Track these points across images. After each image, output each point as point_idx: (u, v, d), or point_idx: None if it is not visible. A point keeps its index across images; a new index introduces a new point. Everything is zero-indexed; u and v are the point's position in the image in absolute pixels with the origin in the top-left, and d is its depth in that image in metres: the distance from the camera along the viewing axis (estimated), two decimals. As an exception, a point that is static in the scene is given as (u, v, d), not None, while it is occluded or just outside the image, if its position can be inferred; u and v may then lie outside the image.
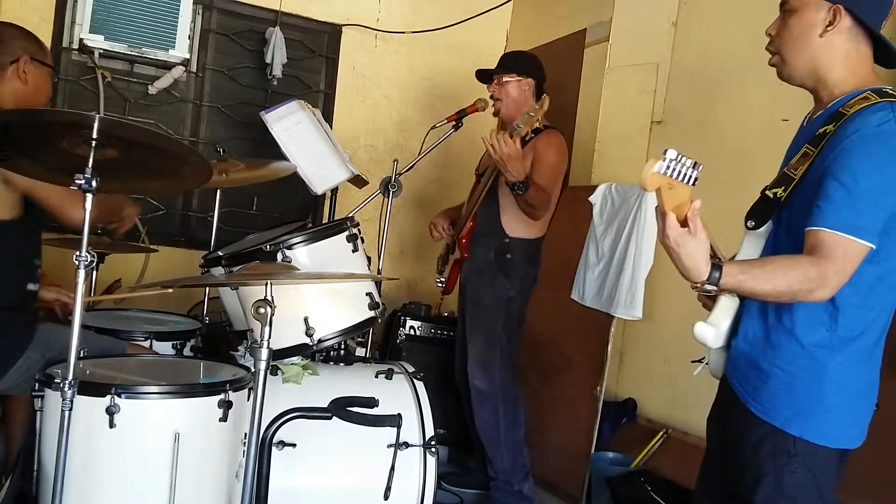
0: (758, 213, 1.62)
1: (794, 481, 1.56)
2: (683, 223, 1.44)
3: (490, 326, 3.11)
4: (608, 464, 3.19)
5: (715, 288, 1.49)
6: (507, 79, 3.16)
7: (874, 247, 1.47)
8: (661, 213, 1.44)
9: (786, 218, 1.61)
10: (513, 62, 3.22)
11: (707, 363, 1.76)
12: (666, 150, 1.37)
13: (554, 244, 3.24)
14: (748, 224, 1.63)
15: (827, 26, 1.58)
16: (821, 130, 1.56)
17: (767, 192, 1.62)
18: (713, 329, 1.64)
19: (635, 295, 3.07)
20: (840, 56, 1.60)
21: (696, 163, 1.40)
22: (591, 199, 3.37)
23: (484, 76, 3.28)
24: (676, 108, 3.51)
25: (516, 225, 3.11)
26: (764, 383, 1.60)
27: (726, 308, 1.64)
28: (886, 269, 1.54)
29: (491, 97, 3.23)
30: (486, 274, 3.13)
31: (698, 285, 1.49)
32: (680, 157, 1.38)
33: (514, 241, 3.12)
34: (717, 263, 1.48)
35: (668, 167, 1.37)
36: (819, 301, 1.50)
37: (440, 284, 3.36)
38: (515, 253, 3.11)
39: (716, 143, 3.20)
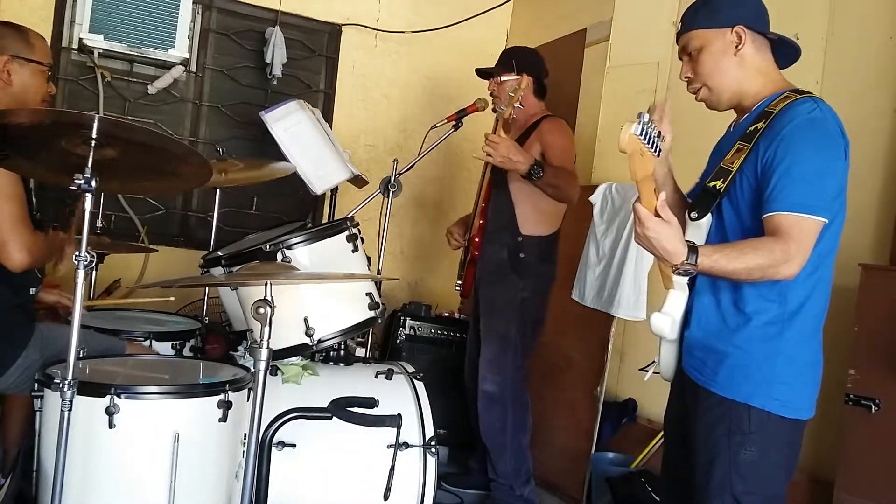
0: (700, 205, 1.74)
1: (747, 459, 1.65)
2: (655, 215, 1.53)
3: (504, 328, 3.06)
4: (608, 464, 3.19)
5: (694, 267, 1.56)
6: (505, 78, 3.14)
7: (827, 221, 1.59)
8: (634, 210, 1.53)
9: (726, 207, 1.72)
10: (509, 60, 3.20)
11: (657, 368, 1.87)
12: (640, 113, 1.42)
13: (554, 244, 3.24)
14: (691, 215, 1.74)
15: (737, 47, 1.74)
16: (751, 128, 1.70)
17: (706, 185, 1.74)
18: (669, 318, 1.74)
19: (639, 296, 3.07)
20: (754, 68, 1.76)
21: (661, 132, 1.48)
22: (592, 198, 3.37)
23: (484, 74, 3.28)
24: (676, 108, 3.47)
25: (531, 221, 3.06)
26: (722, 363, 1.69)
27: (677, 299, 1.74)
28: (826, 245, 1.65)
29: (491, 95, 3.22)
30: (499, 274, 3.08)
31: (678, 266, 1.56)
32: (651, 122, 1.43)
33: (528, 240, 3.06)
34: (692, 246, 1.56)
35: (642, 129, 1.42)
36: (787, 278, 1.59)
37: (458, 289, 3.34)
38: (529, 252, 3.06)
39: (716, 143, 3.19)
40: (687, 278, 1.71)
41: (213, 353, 2.70)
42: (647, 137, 1.42)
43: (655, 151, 1.45)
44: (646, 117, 1.41)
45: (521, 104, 2.89)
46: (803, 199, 1.57)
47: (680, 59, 1.85)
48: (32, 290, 2.28)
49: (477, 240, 3.14)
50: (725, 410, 1.67)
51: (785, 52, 1.79)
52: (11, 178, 2.03)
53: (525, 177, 2.87)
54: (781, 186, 1.58)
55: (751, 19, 1.74)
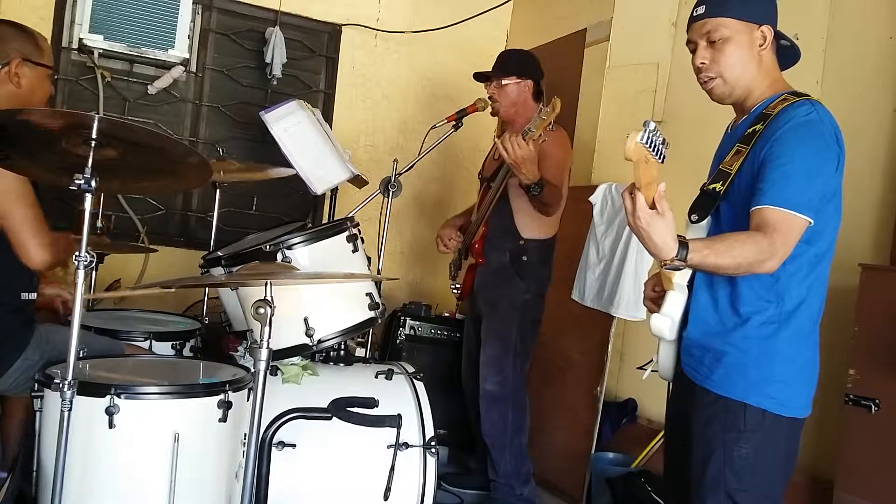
0: (700, 208, 1.74)
1: (741, 457, 1.66)
2: (651, 206, 1.52)
3: (505, 329, 3.09)
4: (608, 464, 3.19)
5: (683, 263, 1.55)
6: (506, 81, 3.15)
7: (812, 221, 1.59)
8: (629, 197, 1.51)
9: (725, 209, 1.73)
10: (511, 64, 3.21)
11: (656, 367, 1.87)
12: (646, 122, 1.42)
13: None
14: (692, 218, 1.74)
15: (761, 46, 1.73)
16: (750, 130, 1.71)
17: (706, 187, 1.74)
18: (668, 319, 1.75)
19: (639, 296, 3.06)
20: (766, 68, 1.76)
21: (665, 139, 1.47)
22: (592, 199, 3.37)
23: (482, 77, 3.28)
24: (676, 108, 3.50)
25: (530, 226, 3.09)
26: (719, 362, 1.70)
27: (676, 300, 1.74)
28: (822, 248, 1.68)
29: (490, 98, 3.22)
30: (502, 277, 3.11)
31: (668, 261, 1.56)
32: (657, 129, 1.43)
33: (530, 243, 3.10)
34: (683, 241, 1.55)
35: (647, 138, 1.41)
36: (769, 272, 1.60)
37: (455, 291, 3.34)
38: (531, 255, 3.10)
39: (716, 143, 3.19)
40: (686, 280, 1.71)
41: (232, 351, 2.69)
42: (652, 145, 1.43)
43: (660, 158, 1.46)
44: (651, 125, 1.41)
45: (552, 126, 2.87)
46: (793, 197, 1.58)
47: (691, 42, 1.79)
48: (33, 295, 2.28)
49: (478, 246, 3.16)
50: (721, 408, 1.68)
51: (786, 54, 1.80)
52: (20, 180, 2.03)
53: (523, 188, 2.89)
54: (772, 182, 1.59)
55: (774, 20, 1.75)
